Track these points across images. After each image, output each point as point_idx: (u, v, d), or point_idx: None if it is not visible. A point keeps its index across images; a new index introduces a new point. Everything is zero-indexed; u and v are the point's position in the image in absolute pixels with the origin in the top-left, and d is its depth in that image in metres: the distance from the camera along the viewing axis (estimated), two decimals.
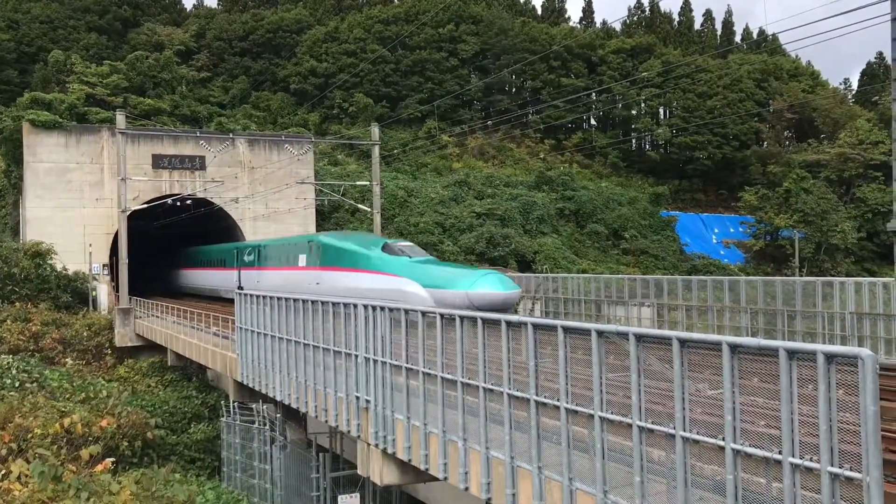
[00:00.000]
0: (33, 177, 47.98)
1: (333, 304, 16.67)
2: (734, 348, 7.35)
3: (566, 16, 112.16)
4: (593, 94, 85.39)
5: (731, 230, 78.84)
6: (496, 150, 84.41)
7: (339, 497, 21.26)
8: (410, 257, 25.40)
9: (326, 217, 58.46)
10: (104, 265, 47.60)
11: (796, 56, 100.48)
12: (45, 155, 48.12)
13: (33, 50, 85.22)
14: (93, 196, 48.64)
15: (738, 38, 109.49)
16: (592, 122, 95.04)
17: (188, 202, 48.26)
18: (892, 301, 21.93)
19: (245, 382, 22.87)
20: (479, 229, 62.07)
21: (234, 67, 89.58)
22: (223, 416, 28.19)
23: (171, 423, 30.48)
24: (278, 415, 25.24)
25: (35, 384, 31.14)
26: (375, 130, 45.33)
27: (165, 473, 22.14)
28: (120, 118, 41.55)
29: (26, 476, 16.12)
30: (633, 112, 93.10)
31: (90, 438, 23.73)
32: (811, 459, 6.73)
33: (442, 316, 12.39)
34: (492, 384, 11.01)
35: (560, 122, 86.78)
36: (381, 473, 14.75)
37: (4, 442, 21.69)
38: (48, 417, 24.64)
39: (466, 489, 11.80)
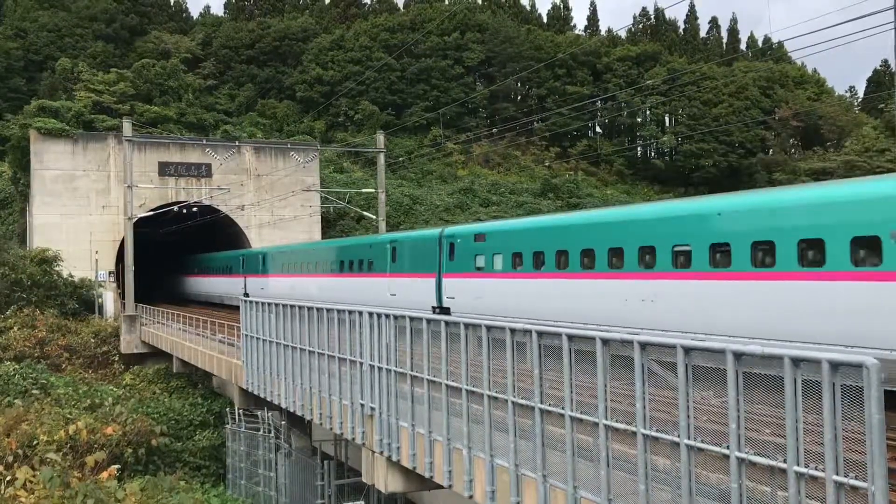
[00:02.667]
0: (40, 184, 48.17)
1: (339, 311, 16.68)
2: (738, 356, 7.33)
3: (571, 24, 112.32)
4: (598, 101, 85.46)
5: None
6: (501, 158, 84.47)
7: None
8: None
9: (332, 224, 58.56)
10: (110, 272, 47.73)
11: (802, 63, 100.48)
12: (52, 162, 48.31)
13: (41, 58, 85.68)
14: (99, 203, 48.81)
15: (743, 46, 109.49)
16: (598, 129, 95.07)
17: (194, 209, 48.36)
18: None
19: (250, 390, 22.88)
20: None
21: (241, 75, 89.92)
22: (228, 423, 28.16)
23: (176, 430, 30.44)
24: (283, 422, 25.21)
25: (40, 391, 31.21)
26: (381, 138, 45.41)
27: (173, 481, 22.12)
28: (127, 126, 41.69)
29: (32, 483, 16.12)
30: (639, 119, 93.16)
31: (95, 445, 23.70)
32: (816, 468, 6.71)
33: (446, 323, 12.40)
34: (496, 392, 11.00)
35: (565, 130, 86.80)
36: (385, 481, 14.74)
37: (11, 448, 21.71)
38: (53, 424, 24.67)
39: (471, 497, 11.77)
